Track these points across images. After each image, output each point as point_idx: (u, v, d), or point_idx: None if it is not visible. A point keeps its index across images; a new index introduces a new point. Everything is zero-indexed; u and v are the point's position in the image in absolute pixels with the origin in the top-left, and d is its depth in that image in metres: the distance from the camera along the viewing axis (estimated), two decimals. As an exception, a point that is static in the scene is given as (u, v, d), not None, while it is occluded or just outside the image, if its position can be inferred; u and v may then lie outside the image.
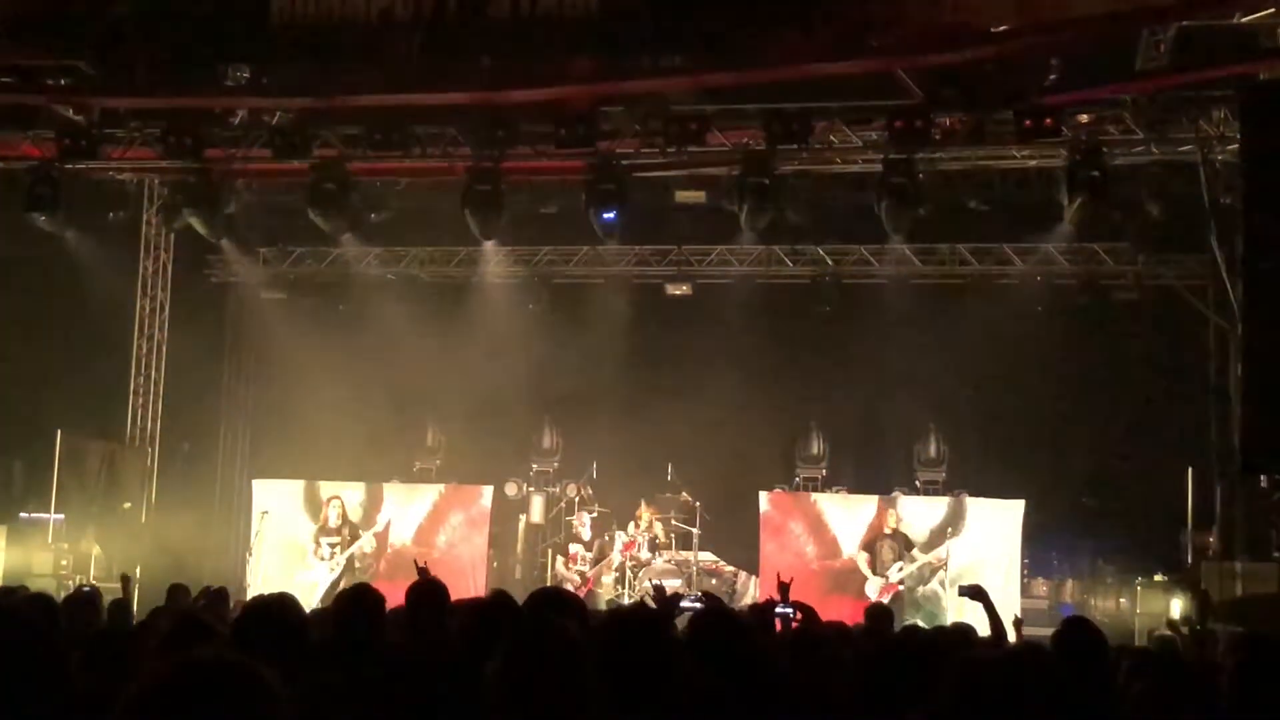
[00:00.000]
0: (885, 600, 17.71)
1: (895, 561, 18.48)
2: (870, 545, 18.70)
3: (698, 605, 8.22)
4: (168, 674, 2.65)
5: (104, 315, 20.50)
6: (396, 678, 3.64)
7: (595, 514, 19.88)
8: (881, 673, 5.42)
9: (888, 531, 18.69)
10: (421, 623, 5.84)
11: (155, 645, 4.70)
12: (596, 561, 19.28)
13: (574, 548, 19.46)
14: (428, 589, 6.19)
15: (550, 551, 20.23)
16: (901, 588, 18.27)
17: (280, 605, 4.86)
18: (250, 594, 15.25)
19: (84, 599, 9.45)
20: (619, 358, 20.87)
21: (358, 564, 19.55)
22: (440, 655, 4.81)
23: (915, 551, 18.57)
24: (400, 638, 5.68)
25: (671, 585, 18.27)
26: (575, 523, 19.82)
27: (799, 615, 8.57)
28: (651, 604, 11.27)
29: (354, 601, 5.42)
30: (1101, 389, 19.75)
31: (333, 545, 19.43)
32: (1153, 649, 11.23)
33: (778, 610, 8.54)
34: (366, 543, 19.56)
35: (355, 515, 19.84)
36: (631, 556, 19.20)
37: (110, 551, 19.33)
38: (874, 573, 18.55)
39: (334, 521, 19.55)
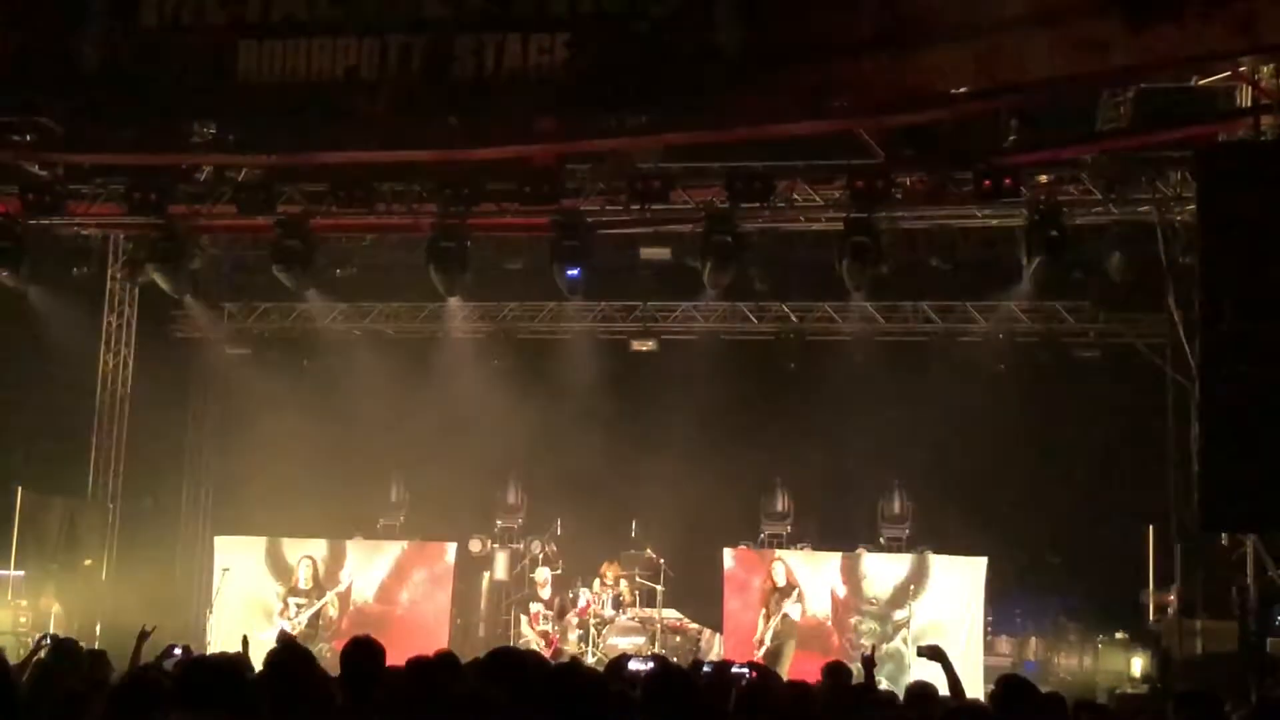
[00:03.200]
0: (759, 655, 17.75)
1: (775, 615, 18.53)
2: (766, 604, 18.73)
3: (648, 665, 8.21)
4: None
5: (67, 370, 20.42)
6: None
7: (559, 570, 19.80)
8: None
9: (781, 586, 18.71)
10: (356, 682, 5.82)
11: (103, 706, 4.69)
12: (559, 619, 19.20)
13: (535, 606, 19.36)
14: (362, 647, 6.17)
15: (514, 610, 20.14)
16: (768, 642, 18.26)
17: (226, 664, 4.85)
18: (211, 652, 15.15)
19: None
20: (584, 414, 20.87)
21: (320, 622, 19.43)
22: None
23: (785, 602, 18.54)
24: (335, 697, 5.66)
25: (635, 643, 18.27)
26: (536, 580, 19.73)
27: (754, 675, 8.58)
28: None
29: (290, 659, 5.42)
30: (1063, 446, 19.84)
31: (299, 605, 19.32)
32: (1112, 707, 11.28)
33: (734, 670, 8.55)
34: (331, 602, 19.43)
35: (320, 573, 19.73)
36: (595, 614, 19.14)
37: (71, 609, 19.18)
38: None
39: (304, 583, 19.43)
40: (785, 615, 18.44)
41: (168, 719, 2.70)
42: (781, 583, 18.66)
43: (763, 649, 18.26)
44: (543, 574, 19.61)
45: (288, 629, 18.85)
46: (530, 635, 19.01)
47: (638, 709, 5.39)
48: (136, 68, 15.60)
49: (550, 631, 18.99)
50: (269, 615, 19.44)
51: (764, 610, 18.74)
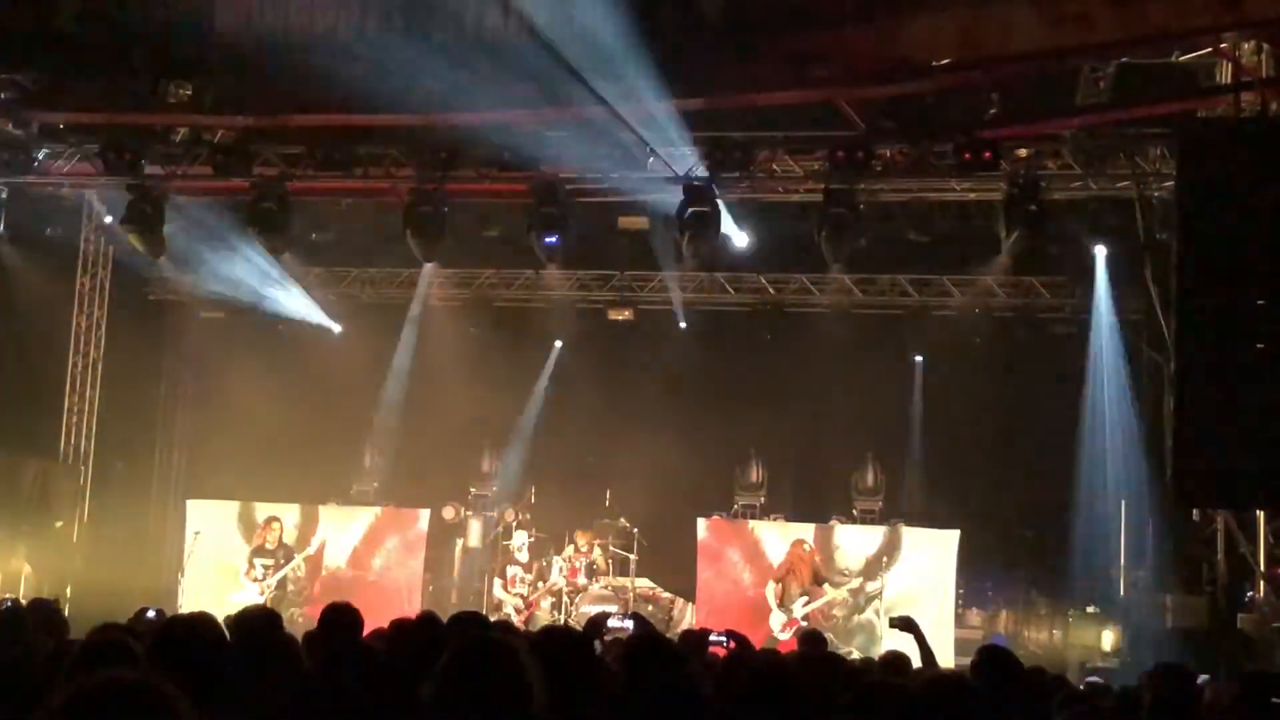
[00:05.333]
0: (786, 635, 17.76)
1: (800, 596, 18.54)
2: (781, 579, 18.75)
3: (626, 625, 8.23)
4: (75, 696, 2.62)
5: (39, 331, 20.28)
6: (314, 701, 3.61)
7: (533, 538, 19.79)
8: (814, 700, 5.42)
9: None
10: (335, 645, 5.79)
11: (70, 666, 4.65)
12: (535, 584, 19.20)
13: (511, 570, 19.35)
14: (341, 611, 6.15)
15: (486, 576, 20.14)
16: (804, 623, 18.23)
17: (197, 625, 4.80)
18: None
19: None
20: (559, 382, 20.83)
21: (290, 586, 19.41)
22: (362, 678, 4.78)
23: (826, 586, 18.61)
24: (313, 661, 5.62)
25: (608, 611, 18.26)
26: (511, 545, 19.71)
27: (731, 644, 8.59)
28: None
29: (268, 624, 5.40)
30: (1037, 420, 19.87)
31: (266, 566, 19.29)
32: (1084, 680, 11.31)
33: (711, 639, 8.56)
34: (298, 566, 19.41)
35: (290, 537, 19.73)
36: (568, 581, 19.14)
37: (41, 570, 19.10)
38: (779, 606, 18.58)
39: (270, 544, 19.42)
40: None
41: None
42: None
43: (793, 629, 18.18)
44: (519, 538, 19.59)
45: (257, 592, 18.84)
46: (505, 598, 18.99)
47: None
48: (113, 26, 15.45)
49: (527, 595, 18.98)
50: (239, 578, 19.40)
51: (776, 585, 18.70)
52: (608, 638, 8.09)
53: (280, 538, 19.49)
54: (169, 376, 23.15)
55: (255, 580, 19.15)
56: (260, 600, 18.49)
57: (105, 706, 2.65)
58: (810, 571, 18.64)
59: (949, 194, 17.50)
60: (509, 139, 16.24)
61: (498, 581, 19.46)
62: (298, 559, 19.43)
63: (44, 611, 9.14)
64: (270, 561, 19.28)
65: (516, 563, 19.39)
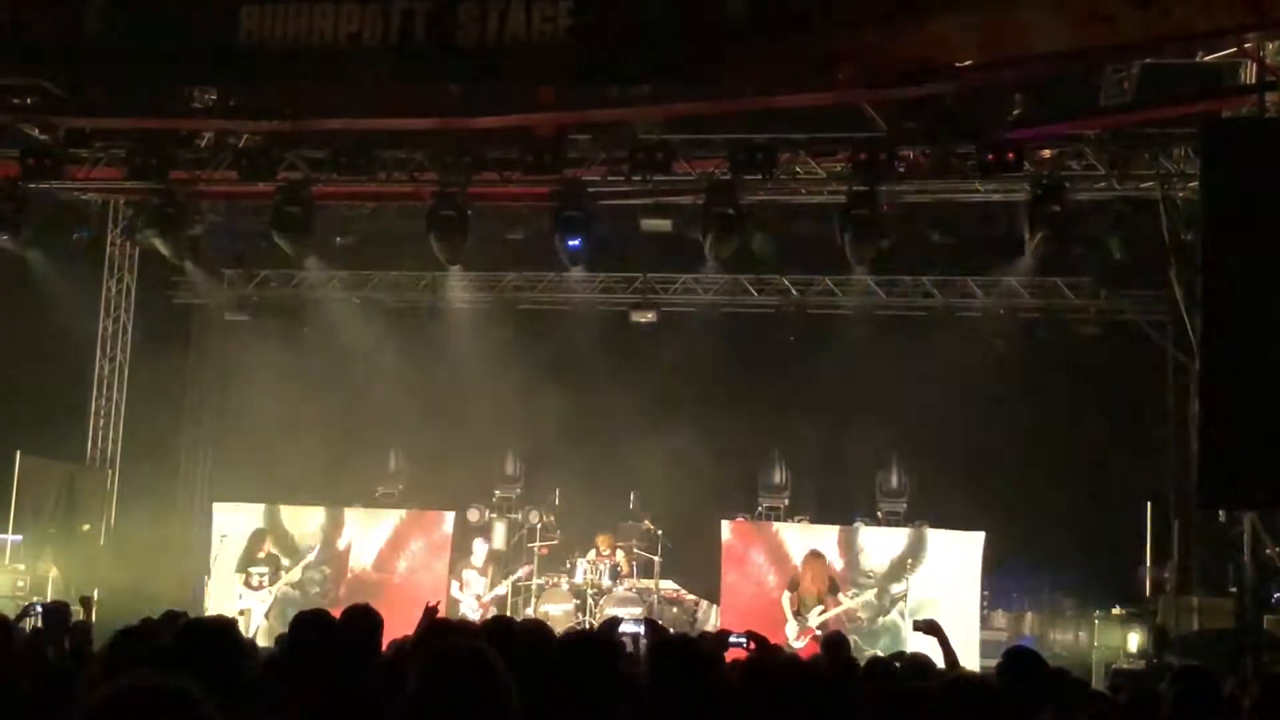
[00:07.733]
0: (801, 644, 17.67)
1: (816, 605, 18.45)
2: (796, 589, 18.64)
3: (639, 629, 8.25)
4: (109, 699, 2.65)
5: (66, 335, 20.41)
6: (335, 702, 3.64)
7: (488, 547, 19.91)
8: (836, 702, 5.43)
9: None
10: (354, 648, 5.81)
11: (98, 669, 4.69)
12: (492, 587, 19.32)
13: (467, 573, 19.39)
14: (360, 614, 6.17)
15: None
16: (819, 632, 18.06)
17: (218, 628, 4.83)
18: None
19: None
20: (583, 384, 20.85)
21: (315, 589, 19.48)
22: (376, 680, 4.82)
23: (842, 595, 18.54)
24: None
25: (632, 613, 18.27)
26: (471, 552, 19.73)
27: (751, 645, 8.59)
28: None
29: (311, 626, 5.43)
30: (1063, 421, 19.83)
31: (262, 575, 19.36)
32: (1109, 682, 11.30)
33: (731, 640, 8.56)
34: (293, 575, 19.50)
35: (315, 540, 19.81)
36: (592, 584, 19.17)
37: (68, 573, 19.19)
38: (794, 616, 18.48)
39: (261, 554, 19.50)
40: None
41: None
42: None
43: (808, 637, 18.04)
44: (479, 547, 19.69)
45: (258, 599, 19.01)
46: (460, 598, 19.04)
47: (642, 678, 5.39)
48: (138, 31, 15.53)
49: (484, 597, 19.09)
50: (238, 588, 19.47)
51: (790, 594, 18.62)
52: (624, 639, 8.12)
53: (268, 549, 19.58)
54: (195, 380, 23.26)
55: (254, 588, 19.22)
56: (263, 608, 18.74)
57: (135, 710, 2.67)
58: (827, 581, 18.55)
59: (972, 195, 17.48)
60: (532, 142, 16.27)
61: (455, 584, 19.48)
62: (295, 569, 19.51)
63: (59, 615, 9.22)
64: (265, 570, 19.40)
65: (472, 567, 19.49)
